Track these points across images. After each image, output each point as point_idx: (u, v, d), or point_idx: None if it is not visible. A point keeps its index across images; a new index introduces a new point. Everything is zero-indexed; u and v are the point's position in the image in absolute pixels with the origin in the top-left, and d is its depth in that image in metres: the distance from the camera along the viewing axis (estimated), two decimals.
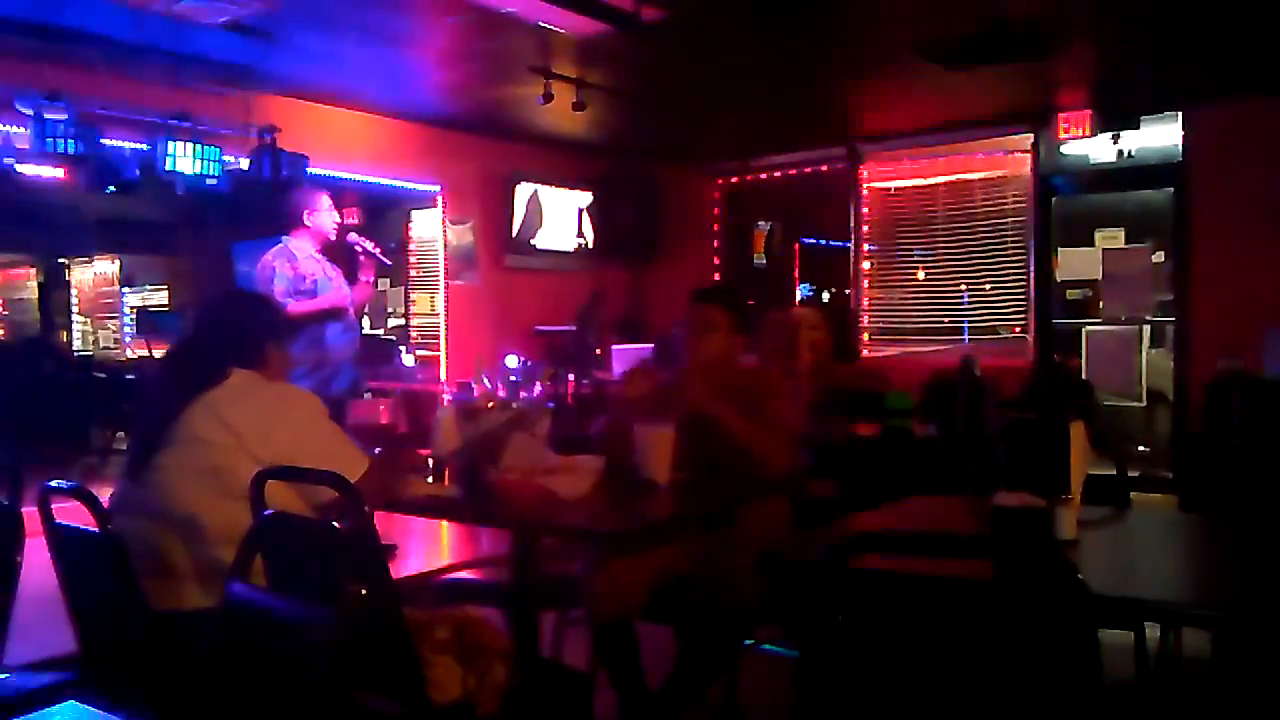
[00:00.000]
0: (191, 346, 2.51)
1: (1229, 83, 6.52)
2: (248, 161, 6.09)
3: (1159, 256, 7.38)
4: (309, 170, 6.17)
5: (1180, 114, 6.98)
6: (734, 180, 9.09)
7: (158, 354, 9.19)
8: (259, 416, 2.32)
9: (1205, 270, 6.94)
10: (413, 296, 8.91)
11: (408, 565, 4.97)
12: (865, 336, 8.38)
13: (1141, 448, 7.33)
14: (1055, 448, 2.39)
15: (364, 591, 2.01)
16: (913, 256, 8.26)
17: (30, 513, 2.34)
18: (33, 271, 12.03)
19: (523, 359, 7.18)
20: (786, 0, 4.98)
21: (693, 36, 5.53)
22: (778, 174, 8.81)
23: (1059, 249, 7.65)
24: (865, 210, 8.38)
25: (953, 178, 8.00)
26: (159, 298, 11.28)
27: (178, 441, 2.30)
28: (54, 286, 11.97)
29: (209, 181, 5.84)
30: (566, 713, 2.40)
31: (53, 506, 2.28)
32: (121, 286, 11.72)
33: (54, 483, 2.25)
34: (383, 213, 8.65)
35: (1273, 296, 6.51)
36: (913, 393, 7.11)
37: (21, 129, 5.30)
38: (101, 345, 11.87)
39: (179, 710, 2.09)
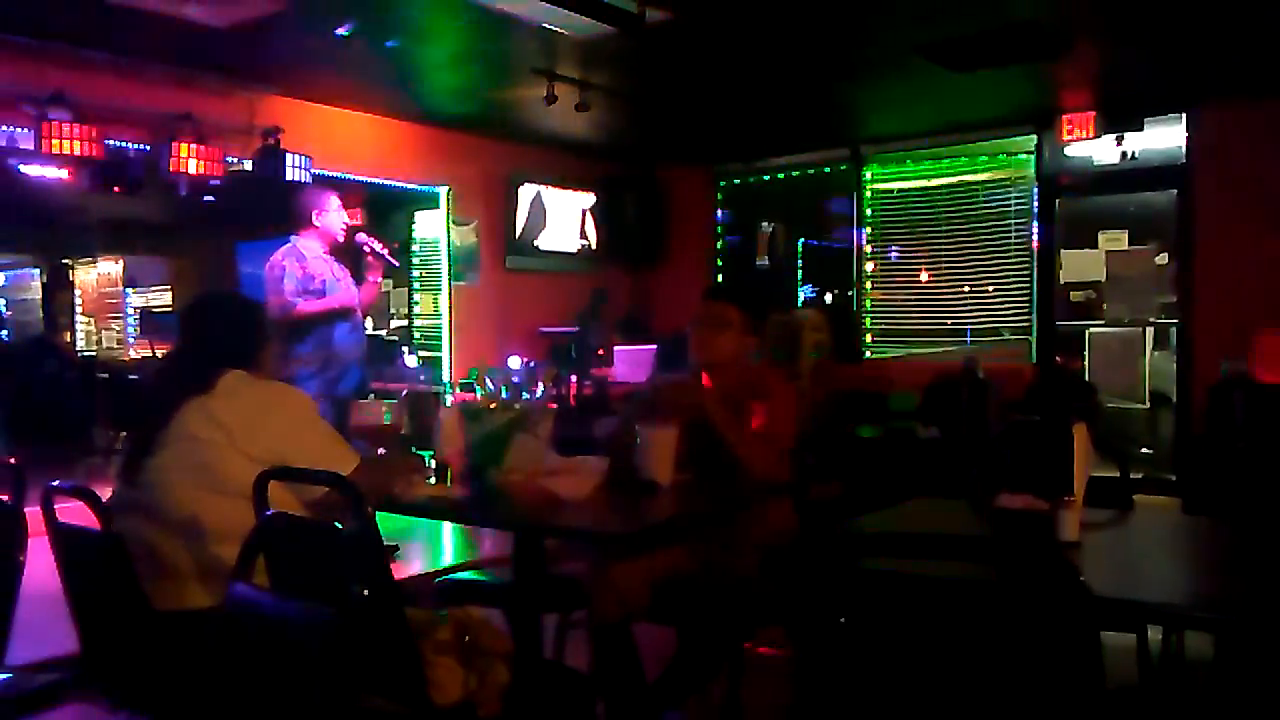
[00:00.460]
0: (182, 351, 2.52)
1: (1233, 84, 6.51)
2: (251, 162, 6.10)
3: (1162, 258, 7.37)
4: (313, 171, 6.17)
5: (1184, 116, 6.97)
6: (737, 181, 9.10)
7: (161, 354, 9.21)
8: (248, 412, 2.33)
9: (1209, 272, 6.93)
10: (416, 297, 8.92)
11: (410, 566, 4.97)
12: (868, 338, 8.38)
13: (1144, 450, 7.32)
14: (1058, 450, 2.38)
15: (366, 592, 2.01)
16: (916, 258, 8.26)
17: (33, 512, 2.34)
18: (36, 272, 12.05)
19: (525, 360, 7.18)
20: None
21: (696, 38, 5.53)
22: (781, 175, 8.81)
23: (1062, 251, 7.64)
24: (868, 212, 8.38)
25: (956, 179, 8.00)
26: (162, 298, 11.30)
27: (171, 442, 2.31)
28: (58, 287, 11.98)
29: (213, 182, 5.85)
30: (568, 714, 2.40)
31: (55, 506, 2.28)
32: (125, 287, 11.73)
33: (57, 482, 2.25)
34: (386, 213, 8.66)
35: (1277, 298, 6.49)
36: (916, 395, 7.13)
37: (25, 129, 5.30)
38: (105, 346, 11.88)
39: (181, 711, 2.09)
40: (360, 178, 7.32)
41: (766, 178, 8.90)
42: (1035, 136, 7.50)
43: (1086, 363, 7.55)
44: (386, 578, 2.11)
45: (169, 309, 10.77)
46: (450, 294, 7.98)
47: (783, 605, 2.76)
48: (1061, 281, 7.66)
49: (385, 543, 2.17)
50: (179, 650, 2.09)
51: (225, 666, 1.67)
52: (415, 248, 8.87)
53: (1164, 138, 7.06)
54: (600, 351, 7.85)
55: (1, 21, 5.05)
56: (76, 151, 5.27)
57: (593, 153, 8.56)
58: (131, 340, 11.41)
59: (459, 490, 2.74)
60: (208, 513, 2.27)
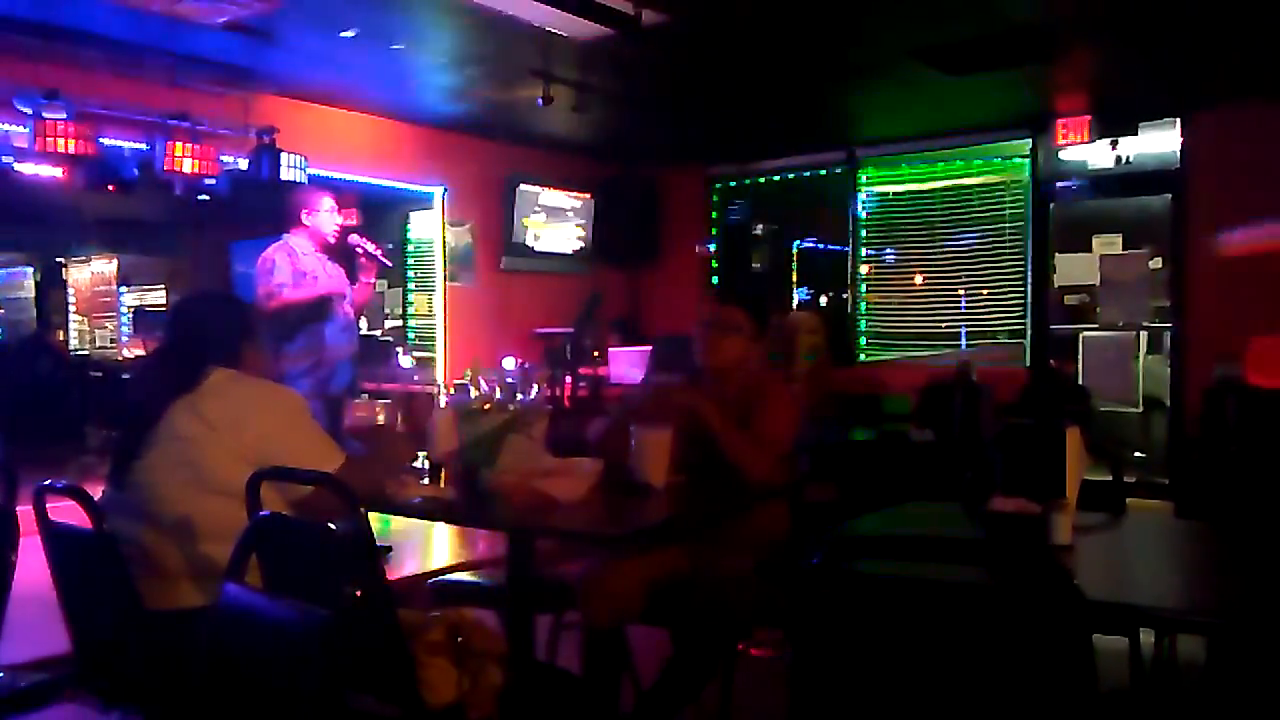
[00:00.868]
0: (168, 351, 2.51)
1: (1227, 89, 6.53)
2: (246, 162, 6.09)
3: (1156, 262, 7.39)
4: (308, 171, 6.17)
5: (1178, 120, 7.00)
6: (732, 183, 9.11)
7: (144, 354, 9.19)
8: (234, 409, 2.32)
9: (1202, 276, 6.95)
10: (411, 298, 8.91)
11: (403, 567, 4.97)
12: (863, 341, 8.39)
13: (1137, 453, 7.34)
14: (1051, 453, 2.39)
15: (359, 593, 2.01)
16: (911, 261, 8.27)
17: (25, 512, 2.33)
18: (30, 270, 12.02)
19: (520, 361, 7.18)
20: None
21: (692, 40, 5.54)
22: (776, 177, 8.82)
23: (1057, 254, 7.66)
24: (863, 214, 8.40)
25: (951, 182, 8.01)
26: (156, 297, 11.27)
27: (159, 442, 2.30)
28: (51, 285, 11.95)
29: (207, 182, 5.84)
30: (560, 716, 2.40)
31: (48, 505, 2.27)
32: (119, 286, 11.70)
33: (49, 482, 2.24)
34: (381, 214, 8.64)
35: (1269, 303, 6.51)
36: (910, 397, 7.14)
37: (20, 128, 5.29)
38: (98, 344, 11.85)
39: (172, 711, 2.09)
40: (356, 178, 7.32)
41: (762, 180, 8.91)
42: (1030, 140, 7.53)
43: (1080, 366, 7.57)
44: (379, 578, 2.11)
45: (163, 308, 10.75)
46: (445, 294, 7.97)
47: (777, 608, 2.76)
48: (1056, 285, 7.68)
49: (378, 543, 2.16)
50: (171, 650, 2.09)
51: (217, 666, 1.67)
52: (410, 248, 8.86)
53: (1158, 142, 7.09)
54: (595, 353, 7.85)
55: None
56: (71, 150, 5.26)
57: (589, 154, 8.56)
58: (125, 339, 11.38)
59: (452, 491, 2.73)
60: (198, 512, 2.27)
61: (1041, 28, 5.34)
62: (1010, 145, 7.66)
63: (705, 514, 2.80)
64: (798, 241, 9.12)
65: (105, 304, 11.84)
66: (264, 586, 2.08)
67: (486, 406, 2.80)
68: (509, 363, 7.01)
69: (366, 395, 5.25)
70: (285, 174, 6.03)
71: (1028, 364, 7.57)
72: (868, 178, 8.36)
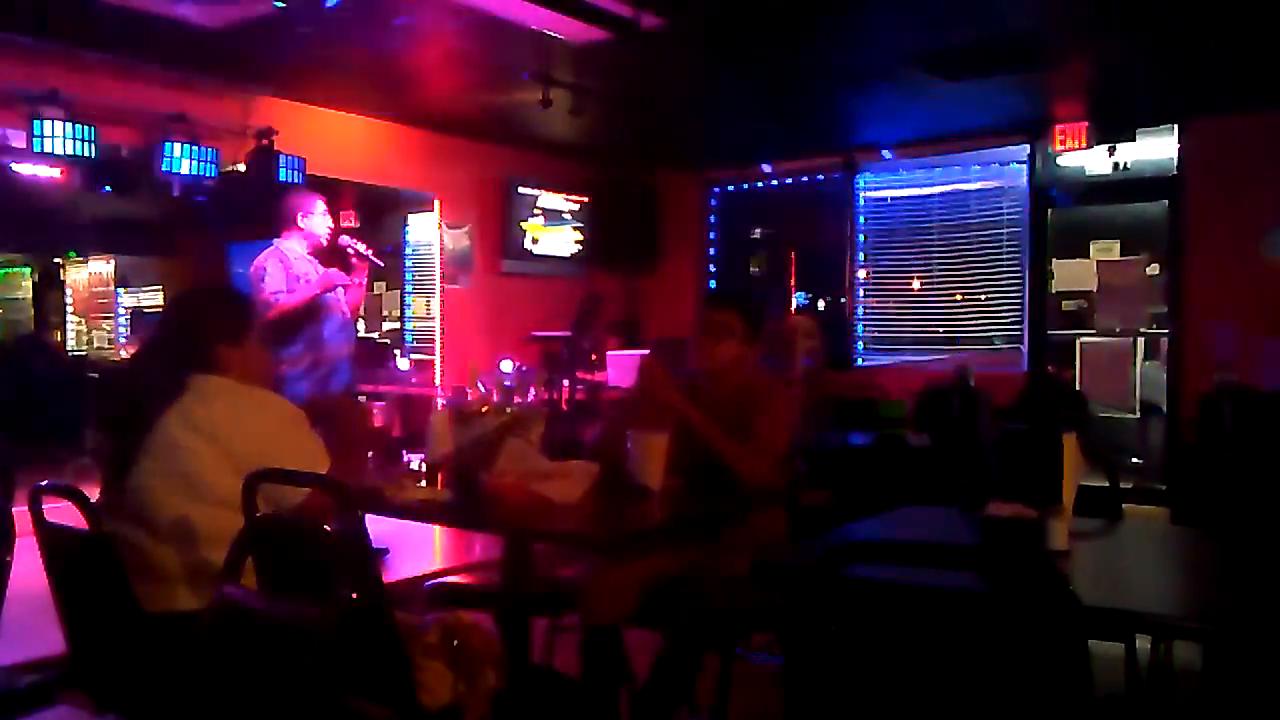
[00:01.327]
0: (159, 349, 2.49)
1: (1225, 96, 6.55)
2: (245, 164, 6.09)
3: (1154, 269, 7.40)
4: (306, 173, 6.17)
5: (1176, 127, 7.01)
6: (730, 188, 9.11)
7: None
8: (227, 418, 2.31)
9: (1200, 283, 6.96)
10: (409, 300, 8.91)
11: (399, 569, 4.96)
12: (860, 345, 8.39)
13: (1134, 459, 7.34)
14: (1048, 459, 2.39)
15: (355, 595, 2.01)
16: (908, 266, 8.28)
17: (21, 512, 2.33)
18: (27, 270, 12.01)
19: (518, 364, 7.18)
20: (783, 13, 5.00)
21: (691, 45, 5.54)
22: (774, 182, 8.83)
23: (1054, 260, 7.67)
24: (861, 219, 8.40)
25: (949, 188, 8.02)
26: (154, 298, 11.26)
27: (155, 449, 2.29)
28: (49, 286, 11.95)
29: (205, 183, 5.84)
30: (557, 719, 2.40)
31: (44, 506, 2.27)
32: (116, 287, 11.69)
33: (45, 482, 2.24)
34: (380, 216, 8.65)
35: (1267, 310, 6.53)
36: (907, 402, 7.14)
37: (19, 128, 5.29)
38: (96, 345, 11.84)
39: (168, 713, 2.08)
40: (354, 180, 7.32)
41: (760, 184, 8.92)
42: (1028, 146, 7.53)
43: (1077, 372, 7.58)
44: (375, 581, 2.11)
45: (160, 309, 10.74)
46: (443, 297, 7.97)
47: (772, 612, 2.76)
48: (1053, 291, 7.69)
49: (374, 546, 2.16)
50: (166, 652, 2.08)
51: (213, 669, 1.66)
52: (409, 251, 8.86)
53: (1156, 149, 7.10)
54: (593, 356, 7.85)
55: None
56: (70, 151, 5.25)
57: (587, 157, 8.56)
58: (122, 340, 11.37)
59: (449, 493, 2.73)
60: (193, 518, 2.26)
61: (1040, 34, 5.35)
62: (1008, 151, 7.67)
63: (701, 517, 2.80)
64: (796, 246, 9.12)
65: (102, 305, 11.82)
66: (260, 589, 2.08)
67: (484, 409, 2.80)
68: (506, 365, 7.00)
69: (364, 397, 5.25)
70: (284, 176, 6.04)
71: (1025, 369, 7.58)
72: (866, 183, 8.37)
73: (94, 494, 2.25)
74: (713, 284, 9.14)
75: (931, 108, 6.88)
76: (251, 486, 2.18)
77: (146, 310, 11.03)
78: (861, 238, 8.41)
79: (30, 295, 12.04)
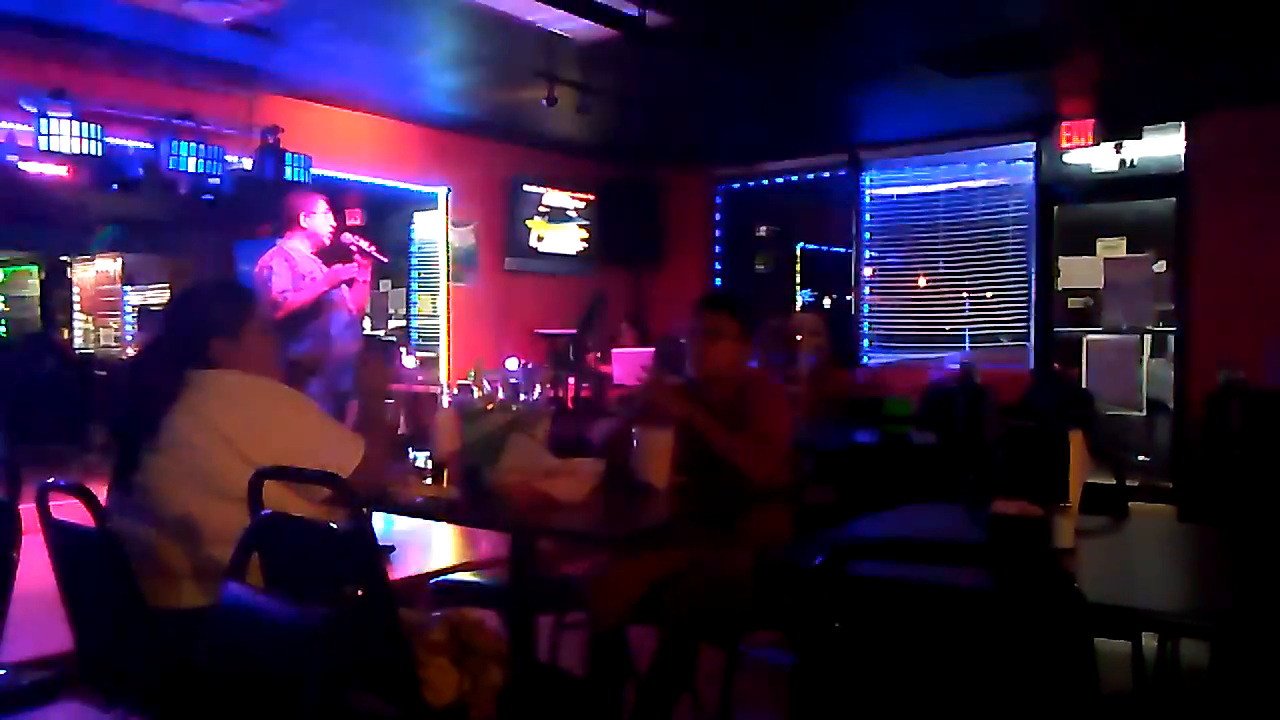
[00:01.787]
0: (166, 345, 2.49)
1: (1231, 93, 6.53)
2: (251, 161, 6.11)
3: (1160, 266, 7.39)
4: (312, 171, 6.18)
5: (1182, 124, 6.99)
6: (736, 185, 9.11)
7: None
8: (250, 419, 2.30)
9: (1206, 280, 6.94)
10: (414, 298, 8.92)
11: (405, 566, 4.97)
12: (866, 343, 8.38)
13: (1141, 457, 7.32)
14: (1054, 456, 2.38)
15: (360, 592, 2.01)
16: (914, 263, 8.26)
17: (28, 509, 2.33)
18: (35, 269, 12.05)
19: (523, 362, 7.18)
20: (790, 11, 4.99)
21: (697, 42, 5.54)
22: (780, 179, 8.82)
23: (1060, 257, 7.65)
24: (867, 217, 8.39)
25: (955, 185, 8.01)
26: (161, 297, 11.28)
27: (165, 447, 2.28)
28: (56, 284, 11.98)
29: (212, 181, 5.85)
30: (561, 716, 2.40)
31: (51, 504, 2.28)
32: (123, 285, 11.72)
33: (52, 480, 2.24)
34: (386, 214, 8.64)
35: (1274, 307, 6.51)
36: (912, 400, 7.13)
37: (25, 126, 5.30)
38: (103, 343, 11.86)
39: (174, 709, 2.09)
40: (360, 178, 7.32)
41: (766, 182, 8.91)
42: (1034, 143, 7.52)
43: (1083, 369, 7.56)
44: (381, 578, 2.11)
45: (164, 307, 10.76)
46: (449, 295, 7.97)
47: (777, 610, 2.76)
48: (1059, 288, 7.67)
49: (380, 543, 2.16)
50: (173, 649, 2.09)
51: (219, 666, 1.67)
52: (414, 248, 8.86)
53: (1162, 146, 7.08)
54: (598, 354, 7.86)
55: (3, 18, 5.04)
56: (76, 149, 5.27)
57: (593, 155, 8.57)
58: (129, 338, 11.39)
59: (455, 491, 2.73)
60: (205, 515, 2.26)
61: (1046, 31, 5.34)
62: (1014, 148, 7.65)
63: (707, 515, 2.80)
64: (801, 243, 9.12)
65: (109, 303, 11.85)
66: (265, 586, 2.08)
67: (489, 407, 2.80)
68: (512, 363, 7.01)
69: (358, 395, 5.26)
70: (289, 174, 6.05)
71: (1031, 367, 7.56)
72: (871, 180, 8.36)
73: (101, 492, 2.25)
74: (718, 281, 9.13)
75: (937, 105, 6.87)
76: (257, 484, 2.18)
77: (153, 308, 11.04)
78: (867, 235, 8.40)
79: (37, 293, 12.08)
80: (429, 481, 2.82)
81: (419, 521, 2.96)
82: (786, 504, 3.08)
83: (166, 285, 11.07)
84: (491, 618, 2.46)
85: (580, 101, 6.52)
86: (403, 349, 8.59)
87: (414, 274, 8.85)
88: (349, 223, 5.59)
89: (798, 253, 9.09)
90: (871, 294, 8.42)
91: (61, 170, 5.45)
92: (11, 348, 10.99)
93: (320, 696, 1.45)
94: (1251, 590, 2.04)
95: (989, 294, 7.87)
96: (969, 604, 1.59)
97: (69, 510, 2.23)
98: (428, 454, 2.89)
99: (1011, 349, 7.73)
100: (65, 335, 11.78)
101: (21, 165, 5.33)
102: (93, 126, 5.33)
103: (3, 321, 12.08)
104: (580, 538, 2.69)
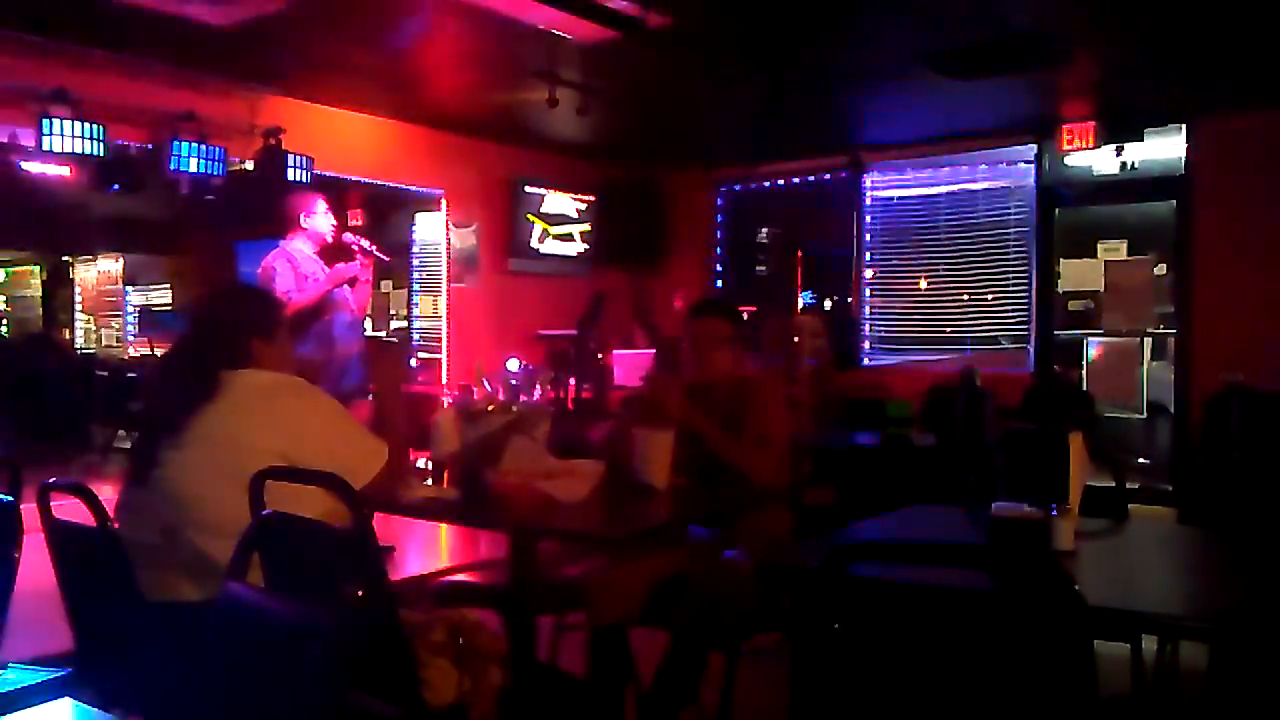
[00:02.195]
0: (180, 351, 2.50)
1: (1233, 95, 6.53)
2: (252, 162, 6.11)
3: (1161, 269, 7.39)
4: (313, 172, 6.18)
5: (1184, 126, 6.99)
6: (737, 187, 9.11)
7: (160, 352, 9.21)
8: (284, 419, 2.29)
9: (1207, 283, 6.94)
10: (415, 299, 8.93)
11: (405, 567, 4.97)
12: (867, 345, 8.38)
13: (1141, 460, 7.32)
14: (1054, 458, 2.39)
15: (361, 593, 2.01)
16: (915, 266, 8.27)
17: (29, 509, 2.34)
18: (37, 269, 12.07)
19: (524, 363, 7.19)
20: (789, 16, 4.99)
21: (698, 44, 5.54)
22: (781, 181, 8.83)
23: (1061, 260, 7.66)
24: (868, 219, 8.39)
25: (956, 187, 8.01)
26: (162, 296, 11.31)
27: (192, 443, 2.26)
28: (58, 284, 12.00)
29: (214, 181, 5.86)
30: (562, 717, 2.40)
31: (52, 503, 2.28)
32: (125, 285, 11.74)
33: (53, 479, 2.25)
34: (387, 215, 8.67)
35: (1275, 310, 6.50)
36: (913, 402, 7.13)
37: (28, 126, 5.31)
38: (104, 343, 11.88)
39: (173, 709, 2.09)
40: (361, 179, 7.33)
41: (767, 184, 8.92)
42: (1035, 146, 7.52)
43: (1084, 372, 7.56)
44: (382, 579, 2.11)
45: (168, 307, 10.78)
46: (450, 296, 7.98)
47: (777, 611, 2.76)
48: (1060, 290, 7.68)
49: (381, 543, 2.16)
50: (173, 648, 2.09)
51: (219, 666, 1.67)
52: (416, 249, 8.88)
53: (1163, 148, 7.08)
54: (599, 355, 7.86)
55: (5, 18, 5.05)
56: (78, 149, 5.27)
57: (594, 156, 8.57)
58: (131, 338, 11.42)
59: (455, 492, 2.74)
60: (231, 514, 2.22)
61: (1047, 33, 5.34)
62: (1015, 150, 7.65)
63: (706, 516, 2.81)
64: (803, 245, 9.11)
65: (111, 303, 11.87)
66: (265, 586, 2.08)
67: (490, 408, 2.81)
68: (513, 364, 7.01)
69: (373, 395, 5.27)
70: (291, 175, 6.05)
71: (1031, 369, 7.56)
72: (872, 182, 8.36)
73: (102, 491, 2.25)
74: (719, 284, 9.13)
75: (938, 107, 6.87)
76: (259, 483, 2.17)
77: (155, 308, 11.07)
78: (868, 237, 8.40)
79: (39, 293, 12.10)
80: (430, 482, 2.82)
81: (419, 522, 2.98)
82: (786, 505, 3.09)
83: (168, 285, 11.10)
84: (492, 618, 2.46)
85: (581, 103, 6.52)
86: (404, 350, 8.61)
87: (415, 275, 8.87)
88: (350, 223, 5.60)
89: (799, 255, 9.09)
90: (872, 296, 8.42)
91: (63, 170, 5.46)
92: (13, 347, 10.99)
93: (321, 697, 1.45)
94: (1251, 593, 2.04)
95: (990, 296, 7.87)
96: (969, 606, 1.59)
97: (70, 509, 2.23)
98: (428, 455, 2.89)
99: (1012, 351, 7.73)
100: (67, 335, 11.80)
101: (24, 165, 5.33)
102: (95, 127, 5.33)
103: (5, 321, 12.08)
104: (580, 538, 2.70)
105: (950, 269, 8.04)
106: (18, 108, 5.32)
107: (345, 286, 5.12)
